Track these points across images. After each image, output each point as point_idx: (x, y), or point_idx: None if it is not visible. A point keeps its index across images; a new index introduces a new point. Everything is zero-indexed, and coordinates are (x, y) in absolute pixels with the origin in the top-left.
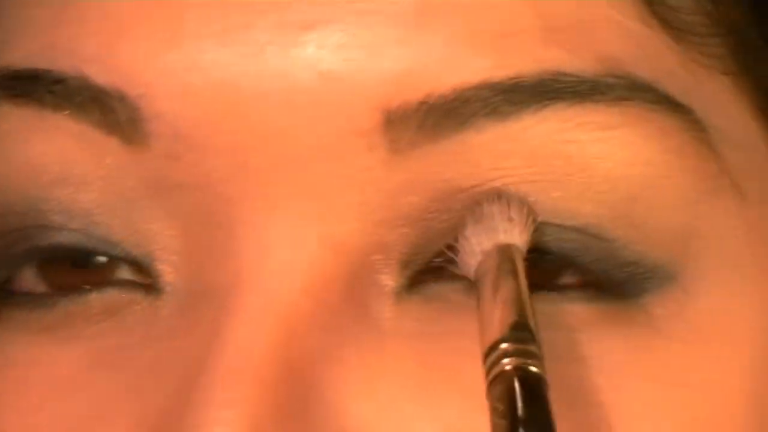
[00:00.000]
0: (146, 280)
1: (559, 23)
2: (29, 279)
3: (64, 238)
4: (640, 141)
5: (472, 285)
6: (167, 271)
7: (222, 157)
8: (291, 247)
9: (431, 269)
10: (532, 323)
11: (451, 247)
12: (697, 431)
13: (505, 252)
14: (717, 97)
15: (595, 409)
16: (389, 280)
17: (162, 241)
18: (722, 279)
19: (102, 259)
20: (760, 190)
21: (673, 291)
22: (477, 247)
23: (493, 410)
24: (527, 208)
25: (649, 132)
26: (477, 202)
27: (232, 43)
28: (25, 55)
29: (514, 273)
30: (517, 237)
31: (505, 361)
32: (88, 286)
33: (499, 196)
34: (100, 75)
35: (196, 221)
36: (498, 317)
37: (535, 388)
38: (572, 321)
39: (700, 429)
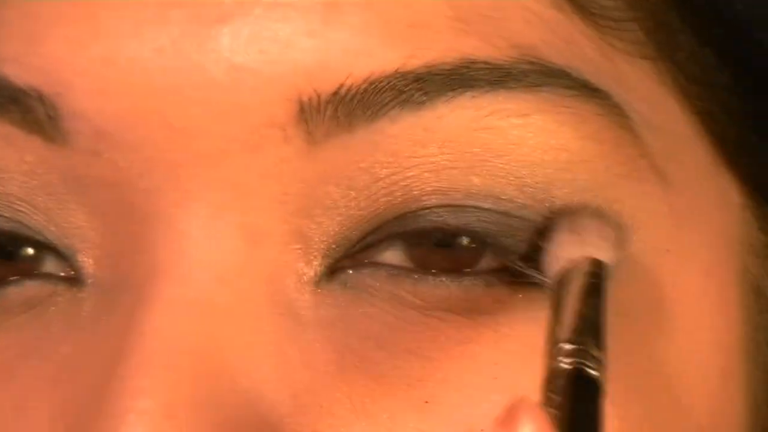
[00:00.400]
0: (70, 273)
1: (472, 12)
2: None
3: None
4: (555, 127)
5: (397, 272)
6: (89, 264)
7: (138, 152)
8: (208, 238)
9: (352, 256)
10: (603, 336)
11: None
12: (629, 422)
13: (595, 266)
14: (637, 82)
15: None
16: (308, 269)
17: (83, 235)
18: (651, 265)
19: (29, 251)
20: (687, 176)
21: None
22: (565, 254)
23: (548, 400)
24: (622, 232)
25: (564, 118)
26: (575, 214)
27: (147, 38)
28: None
29: (598, 290)
30: (607, 255)
31: (569, 360)
32: (13, 278)
33: (599, 214)
34: (18, 75)
35: (116, 215)
36: (572, 322)
37: (591, 390)
38: (494, 305)
39: (632, 419)
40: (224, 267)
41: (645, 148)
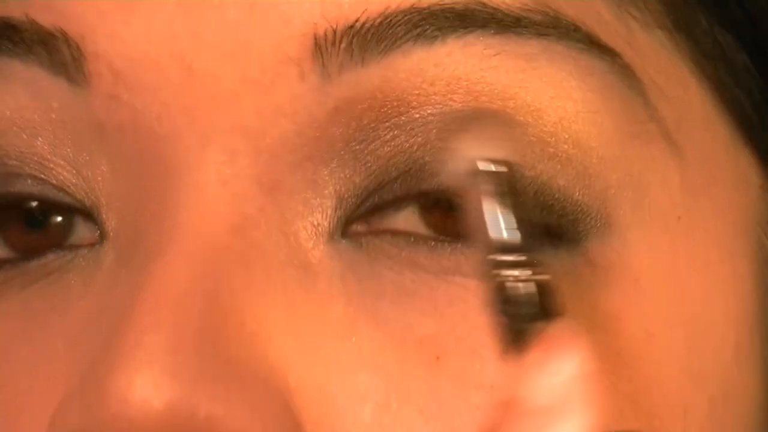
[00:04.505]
0: (94, 237)
1: None
2: None
3: (21, 185)
4: (562, 75)
5: (414, 239)
6: (111, 219)
7: (156, 94)
8: (222, 183)
9: (366, 221)
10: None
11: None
12: (633, 381)
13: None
14: (652, 51)
15: None
16: (322, 219)
17: (107, 188)
18: (661, 230)
19: (58, 219)
20: (701, 150)
21: (610, 239)
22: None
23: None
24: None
25: (571, 68)
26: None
27: None
28: None
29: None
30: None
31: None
32: (45, 248)
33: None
34: (46, 18)
35: (136, 163)
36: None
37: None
38: None
39: (637, 380)
40: (238, 215)
41: (656, 113)
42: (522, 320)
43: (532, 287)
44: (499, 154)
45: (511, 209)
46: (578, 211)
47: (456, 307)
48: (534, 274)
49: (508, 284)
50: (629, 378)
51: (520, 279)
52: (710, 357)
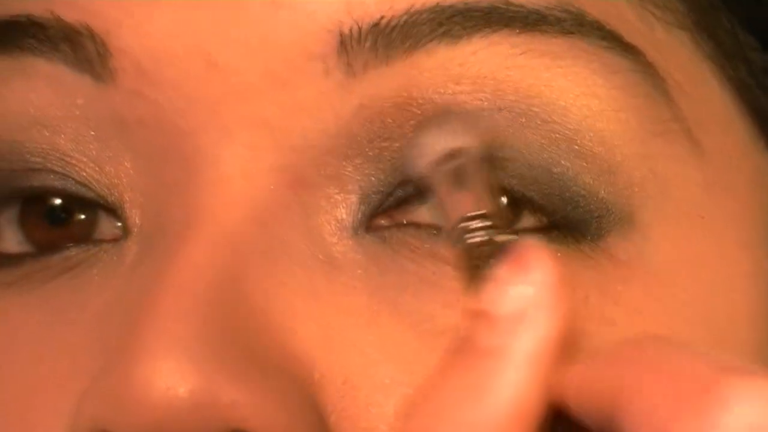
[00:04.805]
0: (117, 234)
1: None
2: (6, 235)
3: (43, 181)
4: (586, 73)
5: (437, 231)
6: (135, 215)
7: (179, 89)
8: (245, 177)
9: (390, 215)
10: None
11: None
12: None
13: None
14: (674, 50)
15: None
16: (346, 214)
17: (130, 183)
18: (683, 228)
19: (81, 216)
20: (723, 149)
21: (632, 235)
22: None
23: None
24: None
25: (596, 66)
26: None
27: None
28: (4, 5)
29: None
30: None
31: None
32: (69, 244)
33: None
34: (70, 14)
35: (159, 158)
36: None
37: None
38: None
39: None
40: (262, 209)
41: (679, 112)
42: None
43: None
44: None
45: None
46: (602, 207)
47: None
48: (499, 233)
49: (473, 242)
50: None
51: (486, 236)
52: (732, 353)
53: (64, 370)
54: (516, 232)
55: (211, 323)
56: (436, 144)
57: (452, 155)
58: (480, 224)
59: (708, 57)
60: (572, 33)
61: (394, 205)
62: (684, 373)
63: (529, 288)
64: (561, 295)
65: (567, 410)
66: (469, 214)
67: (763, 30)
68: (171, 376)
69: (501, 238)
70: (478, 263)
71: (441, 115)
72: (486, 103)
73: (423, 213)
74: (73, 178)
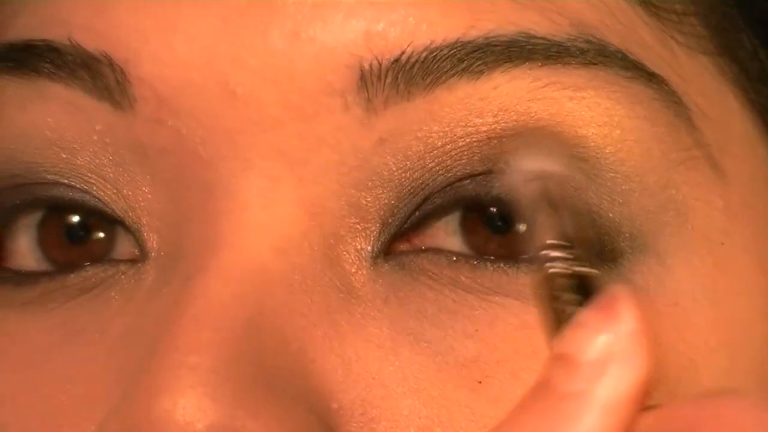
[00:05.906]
0: (135, 254)
1: None
2: (25, 252)
3: (63, 193)
4: (609, 104)
5: (456, 257)
6: (153, 239)
7: (199, 119)
8: (265, 208)
9: (408, 238)
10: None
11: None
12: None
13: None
14: (696, 75)
15: None
16: (365, 244)
17: (149, 207)
18: (703, 254)
19: (100, 235)
20: (744, 172)
21: (650, 263)
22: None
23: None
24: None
25: (619, 96)
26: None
27: (212, 7)
28: (23, 29)
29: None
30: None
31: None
32: (85, 263)
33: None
34: (89, 41)
35: (179, 185)
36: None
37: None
38: None
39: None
40: (281, 237)
41: (701, 138)
42: (569, 306)
43: (579, 277)
44: (548, 166)
45: (560, 213)
46: (618, 234)
47: (496, 328)
48: (580, 265)
49: (554, 271)
50: (670, 402)
51: (568, 268)
52: (752, 380)
53: (83, 395)
54: (595, 266)
55: (230, 356)
56: (532, 165)
57: (544, 177)
58: (560, 254)
59: (730, 81)
60: (595, 64)
61: (412, 227)
62: None
63: (617, 337)
64: (647, 347)
65: None
66: (551, 242)
67: None
68: (190, 412)
69: (580, 269)
70: (555, 294)
71: (536, 137)
72: (508, 132)
73: (441, 237)
74: (91, 194)
